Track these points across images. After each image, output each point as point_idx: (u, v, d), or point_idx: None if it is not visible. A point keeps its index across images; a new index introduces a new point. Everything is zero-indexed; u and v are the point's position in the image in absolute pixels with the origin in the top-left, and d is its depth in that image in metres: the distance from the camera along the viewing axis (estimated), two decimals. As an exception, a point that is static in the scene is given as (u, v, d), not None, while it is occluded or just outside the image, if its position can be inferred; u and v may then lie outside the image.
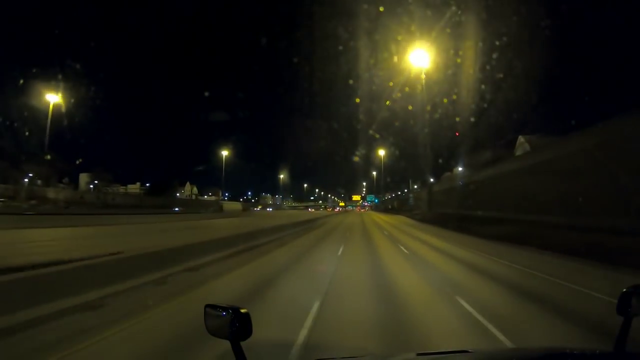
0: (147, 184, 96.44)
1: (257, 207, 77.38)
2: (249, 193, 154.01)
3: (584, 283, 7.40)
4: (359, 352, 3.46)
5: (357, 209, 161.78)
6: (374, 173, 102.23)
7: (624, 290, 1.37)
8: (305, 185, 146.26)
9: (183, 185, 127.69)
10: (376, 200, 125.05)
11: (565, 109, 44.11)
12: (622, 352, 1.33)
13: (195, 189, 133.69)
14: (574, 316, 5.30)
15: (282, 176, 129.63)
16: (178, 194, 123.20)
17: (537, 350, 1.81)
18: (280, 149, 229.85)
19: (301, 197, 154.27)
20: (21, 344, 3.85)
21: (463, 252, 13.38)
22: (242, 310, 1.20)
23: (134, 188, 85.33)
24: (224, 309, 1.22)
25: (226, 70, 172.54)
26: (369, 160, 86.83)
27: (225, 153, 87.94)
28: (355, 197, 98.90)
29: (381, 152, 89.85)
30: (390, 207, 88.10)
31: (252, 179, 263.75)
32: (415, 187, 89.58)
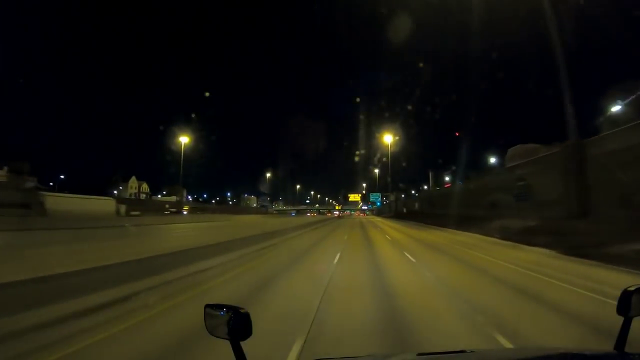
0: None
1: (184, 210, 47.59)
2: (228, 194, 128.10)
3: None
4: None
5: (356, 214, 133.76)
6: (376, 171, 74.78)
7: (624, 290, 1.32)
8: (299, 186, 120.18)
9: (127, 180, 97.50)
10: (378, 203, 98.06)
11: None
12: (622, 352, 1.31)
13: (145, 186, 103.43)
14: None
15: (269, 175, 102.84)
16: (116, 192, 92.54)
17: (537, 351, 1.80)
18: (273, 148, 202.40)
19: (295, 200, 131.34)
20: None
21: None
22: (242, 311, 1.18)
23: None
24: (224, 309, 1.20)
25: (211, 55, 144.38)
26: (369, 160, 67.35)
27: (185, 140, 60.48)
28: (354, 197, 68.16)
29: (387, 139, 61.78)
30: (405, 210, 57.98)
31: (241, 179, 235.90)
32: (447, 178, 59.59)
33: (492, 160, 40.08)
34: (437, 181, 68.67)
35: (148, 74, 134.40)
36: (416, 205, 50.72)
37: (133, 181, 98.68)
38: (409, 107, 52.20)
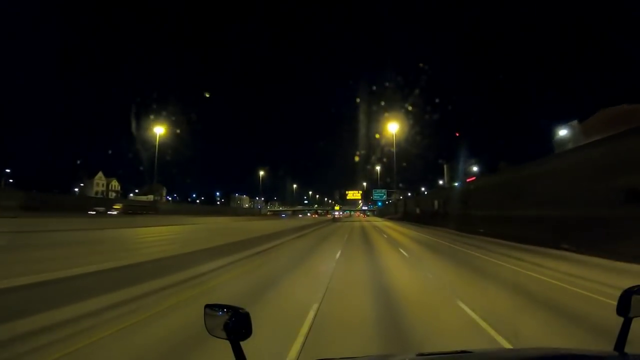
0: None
1: (113, 210, 34.77)
2: (217, 193, 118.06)
3: None
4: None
5: (356, 215, 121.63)
6: (378, 168, 63.51)
7: (624, 290, 1.31)
8: (295, 186, 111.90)
9: (92, 176, 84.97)
10: (379, 204, 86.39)
11: None
12: (622, 353, 1.29)
13: (115, 183, 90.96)
14: None
15: (262, 173, 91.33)
16: (77, 189, 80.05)
17: (537, 351, 1.75)
18: (269, 146, 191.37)
19: (293, 200, 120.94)
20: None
21: None
22: (242, 311, 1.18)
23: None
24: (224, 309, 1.20)
25: (203, 46, 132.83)
26: (368, 159, 56.71)
27: (160, 130, 51.85)
28: (352, 194, 55.25)
29: (393, 128, 50.28)
30: (418, 211, 45.50)
31: (233, 178, 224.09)
32: (474, 169, 47.07)
33: (562, 133, 27.53)
34: (455, 175, 56.31)
35: (130, 56, 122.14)
36: (435, 204, 38.08)
37: (100, 177, 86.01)
38: (415, 94, 43.58)
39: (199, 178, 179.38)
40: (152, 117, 50.44)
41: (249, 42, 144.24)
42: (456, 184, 55.20)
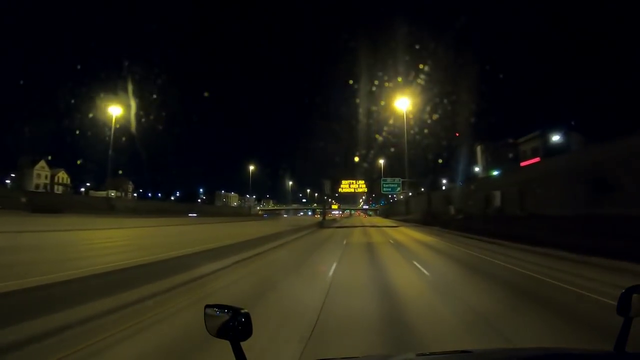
0: None
1: None
2: (200, 190, 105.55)
3: None
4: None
5: (356, 214, 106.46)
6: (382, 162, 51.92)
7: (625, 290, 1.31)
8: (291, 183, 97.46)
9: (33, 164, 68.82)
10: (382, 202, 72.37)
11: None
12: (623, 352, 1.29)
13: (63, 175, 74.75)
14: None
15: (253, 168, 77.72)
16: (8, 181, 64.01)
17: (537, 350, 1.73)
18: (264, 143, 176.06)
19: (294, 198, 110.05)
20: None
21: None
22: (242, 311, 1.17)
23: None
24: (224, 309, 1.20)
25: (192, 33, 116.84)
26: (367, 157, 48.64)
27: (117, 111, 45.32)
28: (348, 185, 39.17)
29: (402, 104, 39.54)
30: (452, 210, 29.50)
31: (224, 175, 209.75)
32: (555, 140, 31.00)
33: None
34: (495, 159, 40.37)
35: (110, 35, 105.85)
36: (495, 198, 22.03)
37: (42, 167, 69.50)
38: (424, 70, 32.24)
39: (188, 175, 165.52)
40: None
41: (243, 33, 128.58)
42: (495, 172, 39.39)
